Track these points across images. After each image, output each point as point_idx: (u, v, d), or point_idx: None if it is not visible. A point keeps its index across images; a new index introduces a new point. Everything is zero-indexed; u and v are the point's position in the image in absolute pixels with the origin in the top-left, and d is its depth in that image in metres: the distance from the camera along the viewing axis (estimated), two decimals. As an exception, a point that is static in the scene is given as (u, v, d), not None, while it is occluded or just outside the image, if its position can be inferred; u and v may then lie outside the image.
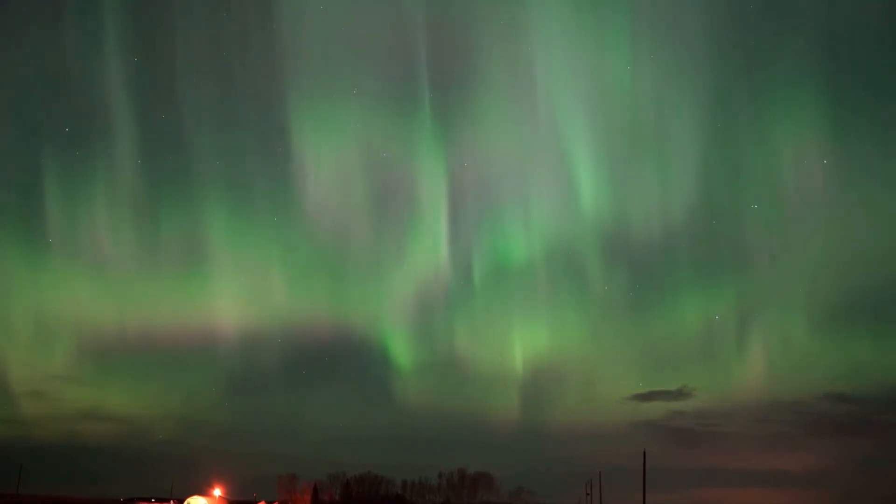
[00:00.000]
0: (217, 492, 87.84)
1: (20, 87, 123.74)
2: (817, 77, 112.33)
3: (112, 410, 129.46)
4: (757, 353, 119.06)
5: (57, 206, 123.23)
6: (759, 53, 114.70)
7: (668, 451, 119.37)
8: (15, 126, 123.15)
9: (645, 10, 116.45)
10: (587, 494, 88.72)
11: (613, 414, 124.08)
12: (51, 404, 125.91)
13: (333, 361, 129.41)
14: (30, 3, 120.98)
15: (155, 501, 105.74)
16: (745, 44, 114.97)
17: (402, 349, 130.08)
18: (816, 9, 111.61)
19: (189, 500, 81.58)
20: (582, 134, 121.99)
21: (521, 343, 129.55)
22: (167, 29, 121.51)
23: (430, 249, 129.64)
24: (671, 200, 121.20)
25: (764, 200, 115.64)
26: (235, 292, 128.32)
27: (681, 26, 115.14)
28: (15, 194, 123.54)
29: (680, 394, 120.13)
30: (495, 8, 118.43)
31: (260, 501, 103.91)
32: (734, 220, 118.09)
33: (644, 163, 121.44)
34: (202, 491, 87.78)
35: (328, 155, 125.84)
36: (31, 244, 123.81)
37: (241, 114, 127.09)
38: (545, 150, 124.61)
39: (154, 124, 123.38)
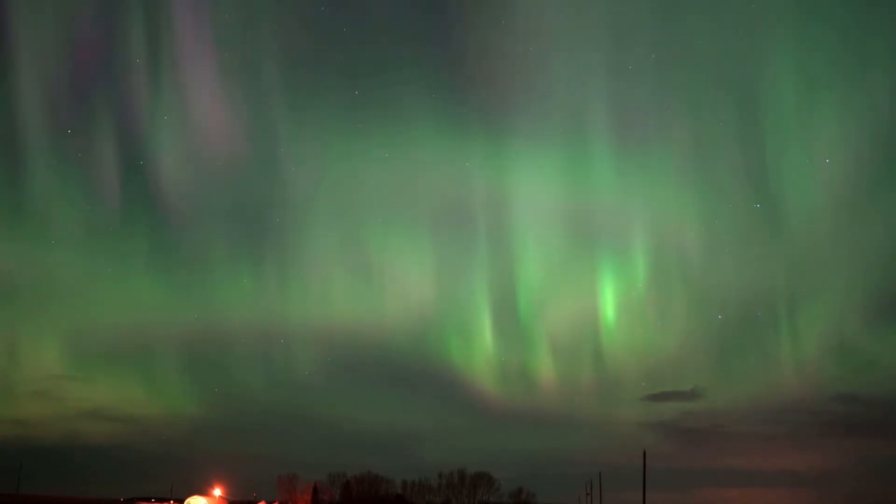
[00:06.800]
0: (217, 492, 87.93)
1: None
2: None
3: (113, 410, 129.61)
4: (769, 353, 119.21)
5: (59, 205, 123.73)
6: (757, 53, 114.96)
7: (678, 451, 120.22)
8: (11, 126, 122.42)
9: (639, 11, 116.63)
10: (587, 494, 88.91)
11: (622, 414, 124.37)
12: (52, 404, 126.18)
13: (335, 361, 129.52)
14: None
15: (155, 501, 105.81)
16: (743, 45, 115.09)
17: (404, 349, 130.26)
18: (812, 8, 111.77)
19: (189, 500, 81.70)
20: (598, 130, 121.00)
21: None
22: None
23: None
24: (675, 201, 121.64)
25: (767, 200, 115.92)
26: (237, 294, 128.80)
27: (678, 26, 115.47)
28: (15, 192, 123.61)
29: (692, 394, 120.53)
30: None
31: (260, 501, 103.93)
32: (738, 219, 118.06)
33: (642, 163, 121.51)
34: (202, 491, 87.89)
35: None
36: (34, 243, 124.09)
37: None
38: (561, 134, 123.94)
39: (158, 124, 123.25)
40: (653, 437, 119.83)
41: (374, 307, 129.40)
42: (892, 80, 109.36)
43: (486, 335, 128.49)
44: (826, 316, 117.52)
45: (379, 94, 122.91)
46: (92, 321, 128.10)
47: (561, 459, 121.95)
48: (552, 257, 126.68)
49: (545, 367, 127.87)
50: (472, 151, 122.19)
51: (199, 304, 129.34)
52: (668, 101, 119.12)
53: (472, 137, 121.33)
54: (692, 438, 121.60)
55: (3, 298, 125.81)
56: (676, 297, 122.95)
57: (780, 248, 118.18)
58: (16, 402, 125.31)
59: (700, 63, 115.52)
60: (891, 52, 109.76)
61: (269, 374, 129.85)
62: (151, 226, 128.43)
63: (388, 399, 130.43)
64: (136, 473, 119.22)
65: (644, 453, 57.12)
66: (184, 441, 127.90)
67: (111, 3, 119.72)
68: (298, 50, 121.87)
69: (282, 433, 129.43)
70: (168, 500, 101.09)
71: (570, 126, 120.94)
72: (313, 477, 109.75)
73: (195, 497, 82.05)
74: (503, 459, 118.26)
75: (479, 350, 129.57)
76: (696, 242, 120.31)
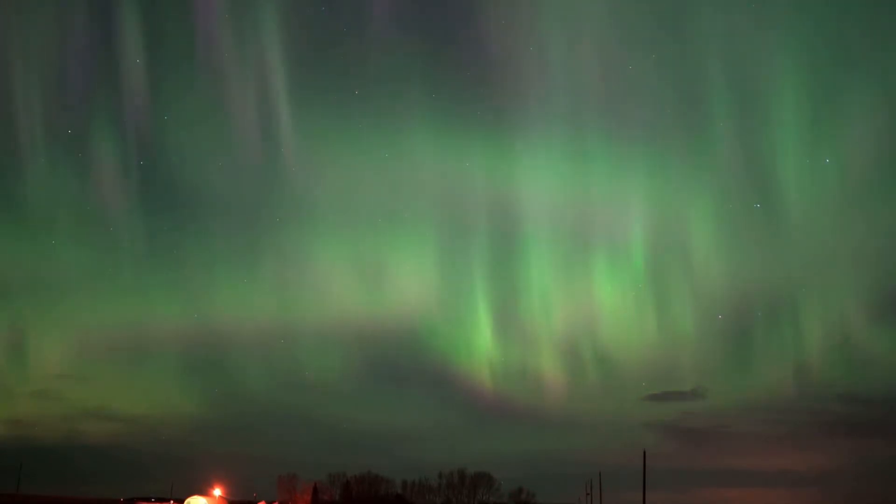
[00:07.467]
0: (217, 492, 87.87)
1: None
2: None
3: (114, 410, 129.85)
4: (769, 353, 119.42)
5: (59, 205, 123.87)
6: (758, 53, 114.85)
7: (678, 451, 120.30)
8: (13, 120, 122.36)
9: (639, 11, 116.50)
10: (587, 494, 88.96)
11: (622, 414, 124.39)
12: (52, 404, 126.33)
13: (335, 361, 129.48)
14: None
15: (155, 501, 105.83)
16: (744, 45, 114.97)
17: (404, 349, 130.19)
18: (811, 9, 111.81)
19: (189, 500, 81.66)
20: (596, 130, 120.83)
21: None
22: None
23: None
24: (675, 201, 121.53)
25: (767, 200, 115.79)
26: (237, 294, 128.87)
27: (678, 26, 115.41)
28: (15, 193, 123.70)
29: (692, 394, 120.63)
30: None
31: (260, 501, 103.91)
32: (738, 219, 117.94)
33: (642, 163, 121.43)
34: (202, 491, 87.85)
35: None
36: (34, 243, 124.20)
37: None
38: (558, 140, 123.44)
39: (158, 124, 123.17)
40: (653, 437, 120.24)
41: (374, 307, 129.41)
42: (892, 80, 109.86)
43: (486, 335, 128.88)
44: (826, 316, 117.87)
45: (379, 94, 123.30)
46: (92, 321, 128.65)
47: (561, 459, 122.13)
48: (552, 257, 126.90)
49: (545, 367, 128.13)
50: (472, 151, 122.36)
51: (198, 304, 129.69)
52: (668, 101, 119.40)
53: (472, 137, 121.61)
54: (692, 438, 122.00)
55: (4, 298, 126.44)
56: (676, 296, 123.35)
57: (780, 248, 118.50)
58: (16, 402, 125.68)
59: (700, 63, 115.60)
60: (891, 52, 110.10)
61: (270, 373, 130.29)
62: (151, 226, 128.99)
63: (389, 399, 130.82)
64: (136, 473, 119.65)
65: (644, 453, 57.22)
66: (184, 441, 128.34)
67: (111, 3, 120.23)
68: (299, 50, 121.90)
69: (282, 433, 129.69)
70: (168, 500, 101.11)
71: (569, 126, 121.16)
72: (313, 477, 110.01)
73: (195, 497, 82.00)
74: (503, 459, 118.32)
75: (480, 350, 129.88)
76: (697, 242, 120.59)
